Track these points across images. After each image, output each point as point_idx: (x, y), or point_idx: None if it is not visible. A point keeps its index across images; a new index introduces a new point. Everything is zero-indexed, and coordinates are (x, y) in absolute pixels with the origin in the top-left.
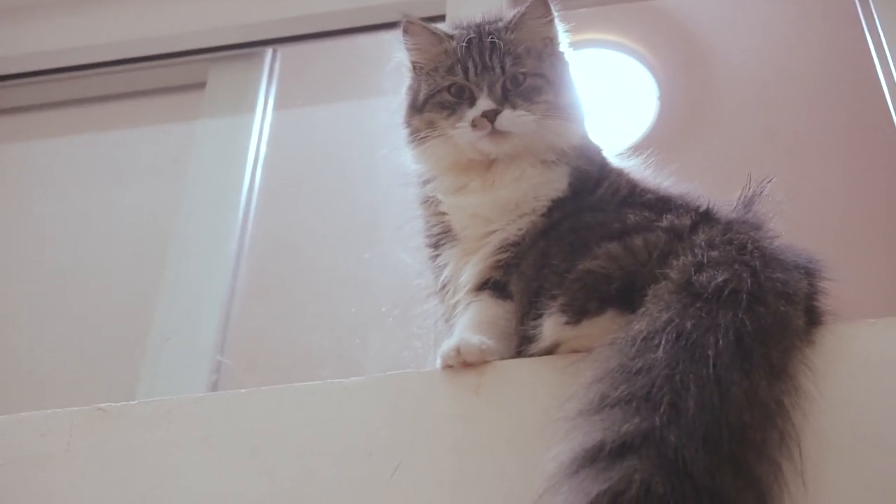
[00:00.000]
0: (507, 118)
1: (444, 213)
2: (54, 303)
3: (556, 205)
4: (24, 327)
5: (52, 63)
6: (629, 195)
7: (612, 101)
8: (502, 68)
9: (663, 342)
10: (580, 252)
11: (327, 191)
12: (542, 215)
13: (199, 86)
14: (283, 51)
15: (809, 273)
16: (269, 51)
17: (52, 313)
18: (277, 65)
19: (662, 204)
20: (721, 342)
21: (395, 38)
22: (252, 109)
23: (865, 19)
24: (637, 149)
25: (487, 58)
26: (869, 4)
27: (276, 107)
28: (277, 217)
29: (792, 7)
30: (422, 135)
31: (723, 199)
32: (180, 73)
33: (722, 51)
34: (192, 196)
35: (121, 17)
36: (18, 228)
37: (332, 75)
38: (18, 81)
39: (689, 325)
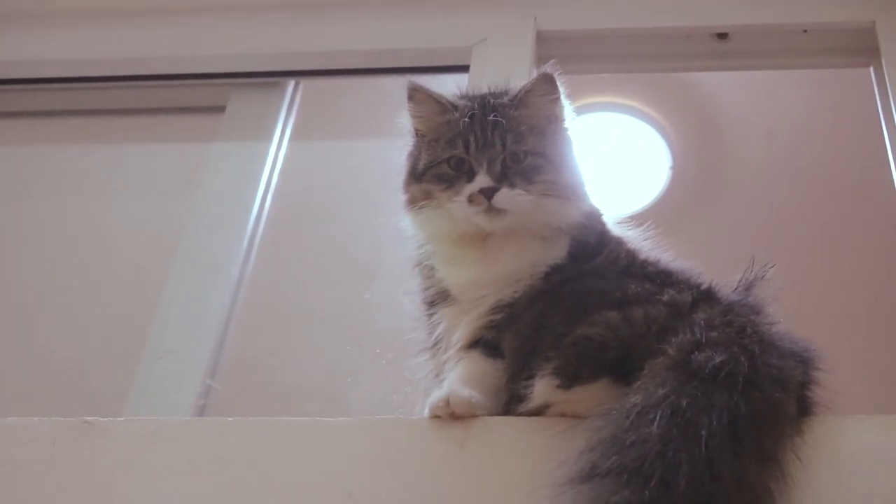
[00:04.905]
0: (505, 196)
1: (439, 278)
2: (52, 309)
3: (554, 269)
4: (20, 332)
5: (78, 71)
6: (630, 265)
7: (623, 165)
8: (503, 145)
9: (658, 417)
10: (579, 317)
11: (335, 226)
12: (540, 279)
13: (219, 109)
14: (306, 83)
15: (804, 362)
16: (291, 82)
17: (49, 319)
18: (298, 97)
19: (664, 277)
20: (715, 423)
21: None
22: (269, 138)
23: (882, 105)
24: (645, 216)
25: (489, 133)
26: (886, 90)
27: (293, 137)
28: (282, 247)
29: (809, 90)
30: (419, 204)
31: (723, 278)
32: (202, 94)
33: (738, 128)
34: (201, 217)
35: (150, 33)
36: (24, 231)
37: (351, 112)
38: (42, 86)
39: (684, 402)
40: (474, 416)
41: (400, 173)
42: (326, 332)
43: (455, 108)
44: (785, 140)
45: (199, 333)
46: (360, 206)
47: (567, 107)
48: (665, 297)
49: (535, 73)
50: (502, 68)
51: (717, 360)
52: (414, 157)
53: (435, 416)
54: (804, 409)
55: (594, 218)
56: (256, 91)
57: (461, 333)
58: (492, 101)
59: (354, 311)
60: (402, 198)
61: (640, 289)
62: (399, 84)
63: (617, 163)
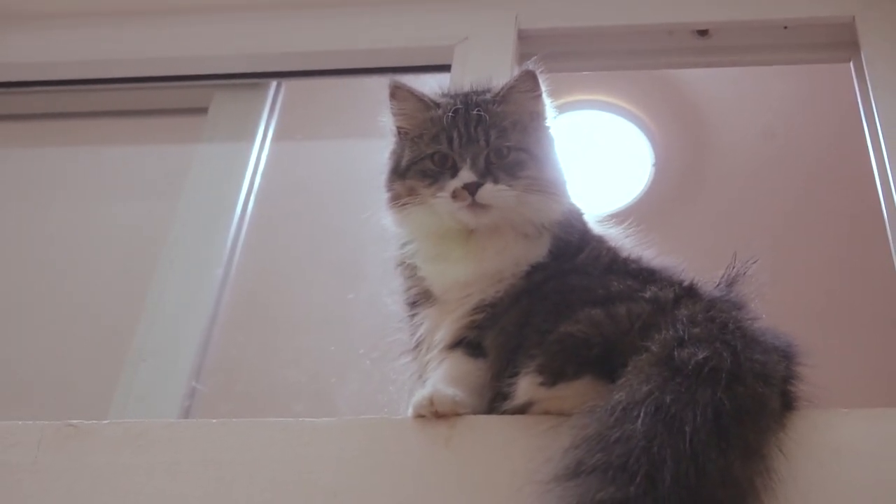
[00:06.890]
0: (488, 192)
1: (422, 277)
2: (36, 312)
3: (536, 268)
4: (4, 334)
5: (59, 74)
6: (612, 262)
7: (606, 163)
8: (486, 141)
9: (642, 414)
10: (563, 314)
11: (317, 227)
12: (522, 277)
13: (202, 111)
14: (288, 84)
15: (787, 357)
16: (273, 83)
17: (33, 322)
18: (281, 97)
19: (647, 274)
20: (699, 418)
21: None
22: (251, 139)
23: (862, 99)
24: (628, 213)
25: (472, 129)
26: (866, 84)
27: (276, 138)
28: (266, 248)
29: (791, 85)
30: (402, 201)
31: (706, 274)
32: (184, 96)
33: (720, 124)
34: (184, 219)
35: (131, 35)
36: (6, 233)
37: (333, 112)
38: (22, 89)
39: (668, 399)
40: (458, 414)
41: (383, 172)
42: (311, 332)
43: (437, 105)
44: (769, 140)
45: (183, 335)
46: (344, 206)
47: (549, 104)
48: (648, 294)
49: (517, 71)
50: (484, 67)
51: (701, 356)
52: (396, 155)
53: (419, 416)
54: (788, 403)
55: (575, 216)
56: (239, 92)
57: (444, 333)
58: (474, 97)
59: (338, 312)
60: (384, 196)
61: (623, 286)
62: (381, 84)
63: (599, 160)
